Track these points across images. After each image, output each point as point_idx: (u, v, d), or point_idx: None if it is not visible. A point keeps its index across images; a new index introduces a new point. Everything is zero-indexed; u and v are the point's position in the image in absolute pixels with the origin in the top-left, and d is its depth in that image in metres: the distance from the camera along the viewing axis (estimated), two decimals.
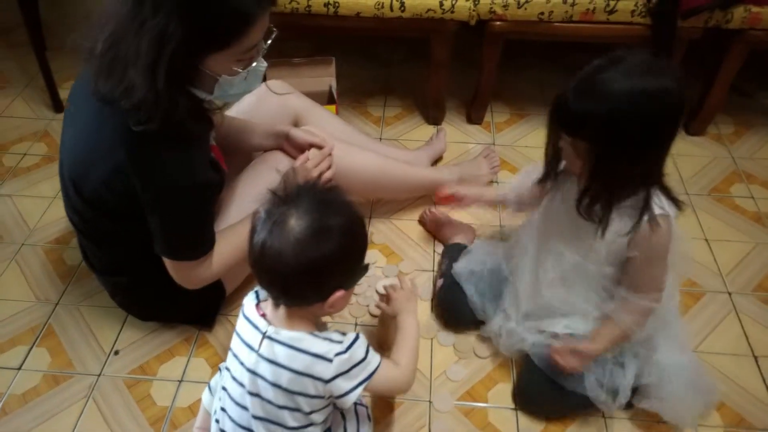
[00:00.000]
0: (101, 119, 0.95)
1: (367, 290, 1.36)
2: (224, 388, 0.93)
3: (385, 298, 1.11)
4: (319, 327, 0.90)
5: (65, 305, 1.34)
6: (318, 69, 1.77)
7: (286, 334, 0.84)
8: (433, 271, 1.41)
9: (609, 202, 0.93)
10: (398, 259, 1.44)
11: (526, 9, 1.52)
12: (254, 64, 0.98)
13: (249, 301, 0.92)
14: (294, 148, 1.28)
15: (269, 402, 0.86)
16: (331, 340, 0.85)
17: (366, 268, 0.88)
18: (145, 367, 1.23)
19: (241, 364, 0.88)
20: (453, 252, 1.33)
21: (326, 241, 0.79)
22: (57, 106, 1.87)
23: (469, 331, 1.27)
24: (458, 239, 1.39)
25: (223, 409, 0.93)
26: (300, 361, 0.83)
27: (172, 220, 1.01)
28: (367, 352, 0.88)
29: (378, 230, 1.50)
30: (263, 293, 0.91)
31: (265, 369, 0.85)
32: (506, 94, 1.92)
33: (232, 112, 1.40)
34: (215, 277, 1.11)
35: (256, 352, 0.86)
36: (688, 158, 1.71)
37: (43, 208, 1.57)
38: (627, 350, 1.09)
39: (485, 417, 1.14)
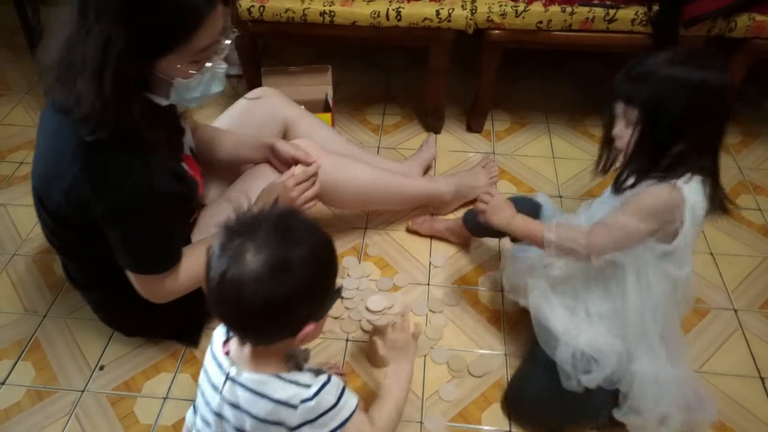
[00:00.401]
0: (60, 133, 0.94)
1: (359, 304, 1.32)
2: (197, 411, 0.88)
3: (379, 333, 1.04)
4: (290, 362, 0.83)
5: (53, 317, 1.32)
6: (314, 77, 1.75)
7: (248, 377, 0.77)
8: (428, 284, 1.37)
9: (647, 171, 0.95)
10: (393, 271, 1.41)
11: (524, 18, 1.49)
12: (209, 65, 0.94)
13: (218, 335, 0.85)
14: (279, 161, 1.25)
15: None
16: (298, 384, 0.77)
17: (338, 292, 0.80)
18: (130, 383, 1.20)
19: (207, 404, 0.82)
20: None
21: (287, 276, 0.70)
22: None
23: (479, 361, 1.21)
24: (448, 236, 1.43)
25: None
26: (262, 407, 0.76)
27: (129, 232, 0.98)
28: (339, 397, 0.79)
29: (373, 242, 1.47)
30: None
31: (228, 413, 0.79)
32: (507, 103, 1.89)
33: (220, 120, 1.38)
34: (184, 291, 1.07)
35: (220, 393, 0.79)
36: None
37: (34, 218, 1.53)
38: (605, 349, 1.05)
39: None
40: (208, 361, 0.84)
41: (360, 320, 1.29)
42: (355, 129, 1.82)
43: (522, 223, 1.07)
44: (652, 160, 0.94)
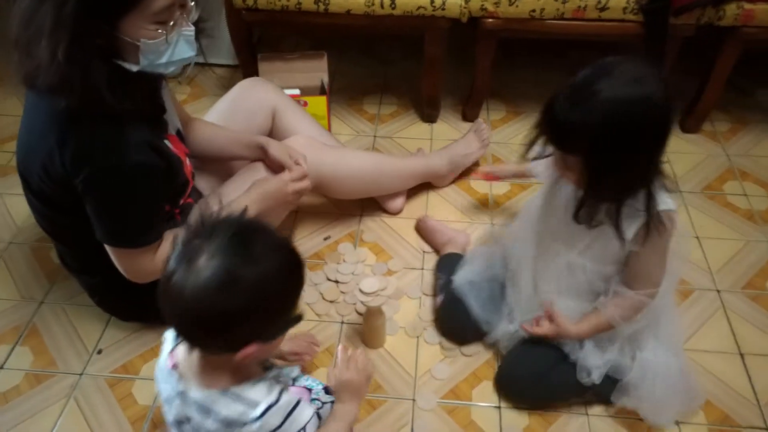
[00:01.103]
0: (37, 108, 0.95)
1: (354, 288, 1.35)
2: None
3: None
4: (247, 372, 0.77)
5: (50, 304, 1.33)
6: (310, 63, 1.75)
7: (197, 394, 0.74)
8: (423, 269, 1.40)
9: (616, 211, 0.91)
10: (387, 257, 1.43)
11: (517, 6, 1.51)
12: (173, 24, 0.92)
13: (167, 342, 0.82)
14: (272, 163, 1.27)
15: None
16: (247, 402, 0.74)
17: (296, 319, 0.75)
18: (128, 366, 1.22)
19: (167, 413, 0.81)
20: (448, 264, 1.30)
21: (232, 292, 0.66)
22: None
23: (474, 344, 1.24)
24: (451, 248, 1.37)
25: None
26: (211, 424, 0.74)
27: (105, 203, 0.98)
28: (285, 418, 0.75)
29: (368, 228, 1.50)
30: None
31: (186, 426, 0.78)
32: (502, 92, 1.90)
33: (213, 109, 1.39)
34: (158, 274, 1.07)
35: (175, 405, 0.78)
36: (682, 155, 1.69)
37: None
38: (614, 340, 1.08)
39: (468, 415, 1.13)
40: (159, 375, 0.82)
41: (355, 303, 1.32)
42: (351, 118, 1.83)
43: (586, 328, 1.05)
44: (614, 194, 0.90)
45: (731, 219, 1.51)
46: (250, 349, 0.71)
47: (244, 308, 0.67)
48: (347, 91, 1.92)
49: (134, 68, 0.94)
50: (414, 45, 1.79)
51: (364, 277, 1.37)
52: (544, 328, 1.06)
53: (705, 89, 1.65)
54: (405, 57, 2.08)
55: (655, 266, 0.98)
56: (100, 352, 1.24)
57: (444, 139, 1.74)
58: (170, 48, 0.95)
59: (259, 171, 1.27)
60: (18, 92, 1.93)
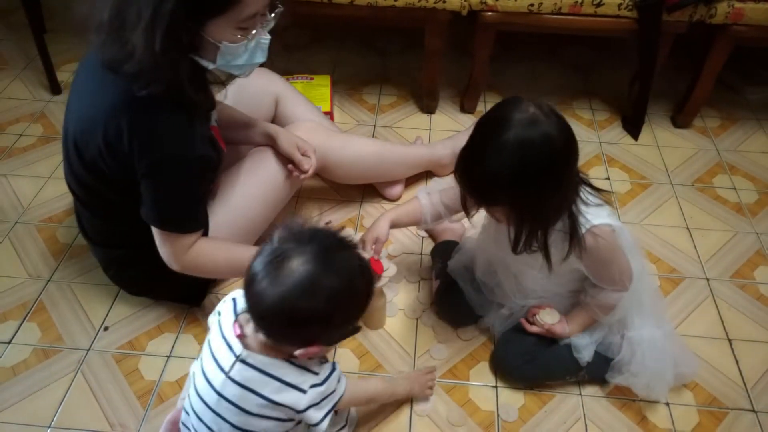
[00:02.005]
0: (106, 86, 0.98)
1: None
2: (190, 396, 0.91)
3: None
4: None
5: (56, 282, 1.36)
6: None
7: (261, 359, 0.82)
8: (421, 254, 1.44)
9: (544, 241, 0.95)
10: (388, 242, 1.46)
11: (516, 0, 1.55)
12: (254, 32, 0.98)
13: (227, 313, 0.88)
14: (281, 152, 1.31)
15: (232, 425, 0.85)
16: (308, 370, 0.84)
17: (355, 330, 0.85)
18: (134, 343, 1.25)
19: (208, 381, 0.85)
20: (443, 250, 1.34)
21: (313, 298, 0.75)
22: (54, 88, 1.89)
23: (470, 327, 1.28)
24: (447, 236, 1.41)
25: (189, 411, 0.93)
26: (272, 388, 0.82)
27: (164, 189, 1.03)
28: (338, 384, 0.89)
29: (368, 213, 1.53)
30: (242, 303, 0.84)
31: (232, 392, 0.83)
32: (500, 85, 1.95)
33: (218, 97, 1.42)
34: (189, 267, 1.10)
35: (226, 374, 0.83)
36: (673, 149, 1.74)
37: (37, 187, 1.59)
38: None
39: (466, 394, 1.17)
40: (214, 339, 0.87)
41: None
42: (352, 108, 1.87)
43: (576, 328, 1.13)
44: (541, 226, 0.94)
45: (720, 211, 1.56)
46: (312, 350, 0.80)
47: (320, 312, 0.76)
48: (348, 81, 1.96)
49: (210, 66, 1.00)
50: (414, 37, 1.83)
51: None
52: (536, 330, 1.12)
53: (696, 85, 1.70)
54: (405, 49, 2.12)
55: (614, 268, 1.02)
56: (106, 329, 1.27)
57: (442, 130, 1.78)
58: (247, 53, 1.00)
59: (269, 158, 1.30)
60: (22, 77, 1.96)
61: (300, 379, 0.83)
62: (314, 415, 0.85)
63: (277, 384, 0.82)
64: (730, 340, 1.27)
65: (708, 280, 1.39)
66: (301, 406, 0.83)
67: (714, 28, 1.57)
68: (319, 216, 1.52)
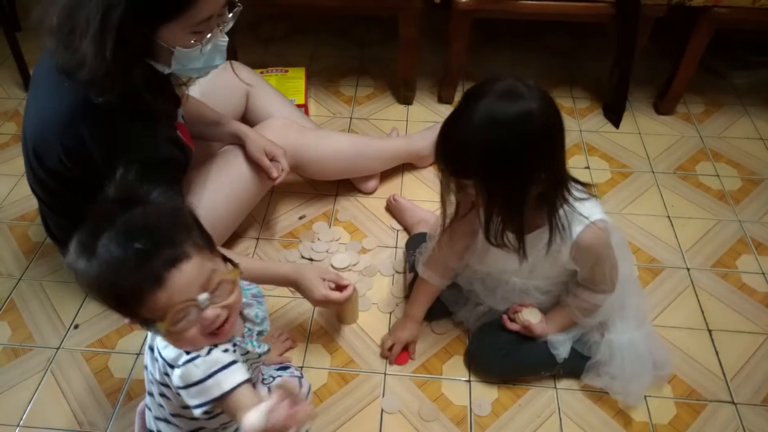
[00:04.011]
0: (62, 91, 0.96)
1: (328, 266, 1.36)
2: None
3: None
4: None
5: (28, 280, 1.35)
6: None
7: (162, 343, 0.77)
8: (396, 247, 1.42)
9: (518, 228, 0.92)
10: (362, 236, 1.45)
11: None
12: (210, 36, 0.96)
13: None
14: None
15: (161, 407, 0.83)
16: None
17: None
18: (104, 341, 1.24)
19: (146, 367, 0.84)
20: (417, 243, 1.31)
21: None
22: (27, 85, 1.85)
23: (443, 320, 1.26)
24: (421, 228, 1.38)
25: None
26: (160, 362, 0.77)
27: None
28: (210, 375, 0.71)
29: (343, 207, 1.51)
30: None
31: (148, 357, 0.82)
32: (479, 74, 1.91)
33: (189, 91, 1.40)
34: None
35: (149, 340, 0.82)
36: (655, 137, 1.71)
37: (10, 185, 1.57)
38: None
39: (439, 389, 1.16)
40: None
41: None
42: (328, 100, 1.84)
43: (554, 329, 1.10)
44: (514, 214, 0.90)
45: (702, 199, 1.54)
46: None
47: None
48: (324, 73, 1.93)
49: (166, 70, 0.98)
50: (391, 28, 1.80)
51: (336, 254, 1.38)
52: (516, 328, 1.11)
53: (678, 71, 1.67)
54: (382, 40, 2.09)
55: (604, 269, 1.00)
56: (77, 327, 1.26)
57: (420, 121, 1.75)
58: (203, 56, 0.97)
59: (237, 157, 1.28)
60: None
61: (173, 353, 0.73)
62: (187, 398, 0.73)
63: (161, 359, 0.76)
64: (710, 331, 1.25)
65: (689, 269, 1.37)
66: (175, 383, 0.73)
67: (695, 11, 1.53)
68: (294, 210, 1.51)
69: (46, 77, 1.01)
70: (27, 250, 1.41)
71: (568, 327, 1.11)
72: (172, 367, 0.74)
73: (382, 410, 1.12)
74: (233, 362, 0.74)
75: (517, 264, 0.99)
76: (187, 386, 0.72)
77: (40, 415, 1.12)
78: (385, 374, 1.18)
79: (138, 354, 1.21)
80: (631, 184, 1.58)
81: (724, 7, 1.50)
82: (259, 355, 0.83)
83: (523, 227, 0.92)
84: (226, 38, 0.99)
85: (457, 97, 1.82)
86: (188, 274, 0.66)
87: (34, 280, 1.35)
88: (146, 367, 0.84)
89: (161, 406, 0.83)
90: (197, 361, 0.72)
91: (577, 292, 1.06)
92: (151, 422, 0.89)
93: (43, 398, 1.14)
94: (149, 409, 0.89)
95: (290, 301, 1.30)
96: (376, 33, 2.12)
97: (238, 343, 0.79)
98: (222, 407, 0.73)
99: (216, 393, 0.71)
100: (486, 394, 1.15)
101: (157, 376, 0.79)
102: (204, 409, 0.72)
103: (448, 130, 0.87)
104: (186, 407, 0.76)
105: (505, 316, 1.12)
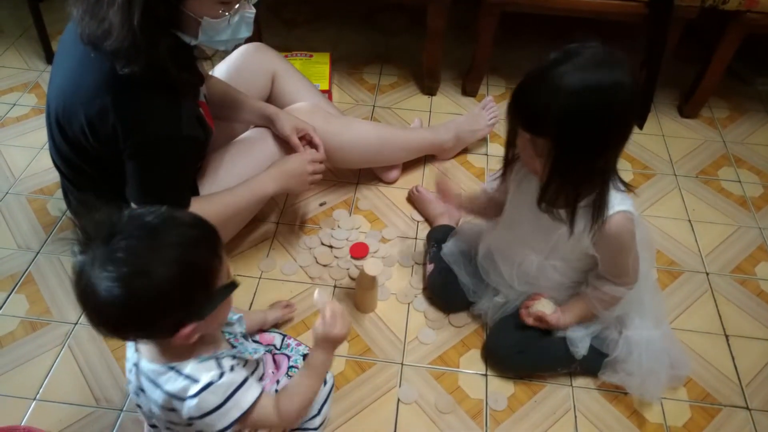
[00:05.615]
0: (88, 62, 0.95)
1: (348, 254, 1.36)
2: None
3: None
4: (199, 348, 0.76)
5: (46, 254, 1.34)
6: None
7: (147, 367, 0.75)
8: (416, 238, 1.41)
9: (574, 199, 0.91)
10: (382, 225, 1.44)
11: None
12: (237, 6, 0.96)
13: None
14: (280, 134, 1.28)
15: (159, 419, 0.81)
16: (190, 378, 0.73)
17: (226, 289, 0.72)
18: None
19: (129, 383, 0.82)
20: (439, 235, 1.32)
21: (129, 301, 0.64)
22: (49, 57, 1.86)
23: (462, 314, 1.26)
24: (444, 220, 1.38)
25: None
26: (159, 396, 0.75)
27: (149, 170, 1.01)
28: (228, 397, 0.73)
29: (364, 196, 1.51)
30: None
31: (141, 397, 0.80)
32: (504, 69, 1.90)
33: (215, 72, 1.38)
34: None
35: (132, 375, 0.79)
36: (678, 140, 1.70)
37: (29, 158, 1.56)
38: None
39: (456, 381, 1.16)
40: (126, 345, 0.82)
41: (348, 268, 1.34)
42: (351, 87, 1.83)
43: (570, 319, 1.09)
44: (574, 183, 0.89)
45: (724, 204, 1.53)
46: (187, 330, 0.69)
47: (150, 309, 0.66)
48: (348, 60, 1.92)
49: (192, 42, 0.97)
50: (416, 16, 1.78)
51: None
52: (531, 322, 1.10)
53: (705, 74, 1.65)
54: (406, 28, 2.07)
55: (625, 261, 1.00)
56: None
57: (443, 112, 1.74)
58: (230, 28, 0.97)
59: (267, 140, 1.27)
60: (17, 46, 1.93)
61: (178, 388, 0.73)
62: (203, 427, 0.75)
63: (160, 392, 0.74)
64: (727, 336, 1.25)
65: (708, 274, 1.37)
66: (183, 415, 0.74)
67: (726, 15, 1.52)
68: (314, 196, 1.50)
69: (71, 48, 1.00)
70: (46, 223, 1.41)
71: (585, 319, 1.11)
72: (182, 399, 0.73)
73: (399, 400, 1.12)
74: (246, 379, 0.76)
75: (541, 239, 1.00)
76: (204, 415, 0.73)
77: (57, 390, 1.12)
78: (402, 364, 1.18)
79: None
80: (653, 186, 1.57)
81: (757, 12, 1.48)
82: (257, 362, 0.86)
83: (579, 197, 0.91)
84: (253, 10, 0.99)
85: (482, 90, 1.83)
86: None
87: (53, 254, 1.34)
88: (140, 407, 0.82)
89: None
90: (211, 389, 0.73)
91: (598, 284, 1.05)
92: None
93: (60, 373, 1.14)
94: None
95: (309, 287, 1.30)
96: (401, 21, 2.10)
97: (237, 355, 0.80)
98: (243, 425, 0.75)
99: (236, 414, 0.74)
100: (502, 389, 1.15)
101: (159, 412, 0.77)
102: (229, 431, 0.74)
103: (531, 86, 0.85)
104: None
105: (522, 310, 1.12)
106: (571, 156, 0.86)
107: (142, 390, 0.78)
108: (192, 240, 0.69)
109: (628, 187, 0.96)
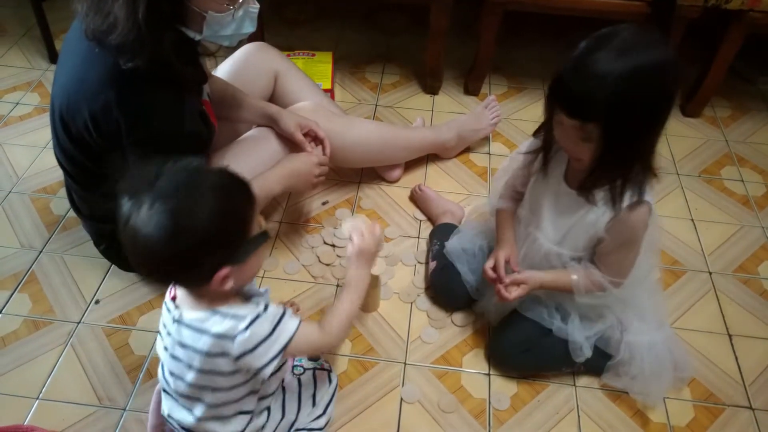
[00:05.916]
0: (92, 58, 0.95)
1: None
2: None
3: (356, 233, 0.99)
4: (232, 298, 0.81)
5: (49, 253, 1.35)
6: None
7: (189, 316, 0.79)
8: (419, 237, 1.41)
9: (623, 180, 0.90)
10: (384, 224, 1.44)
11: None
12: (242, 1, 0.96)
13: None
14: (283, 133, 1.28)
15: (189, 384, 0.82)
16: (235, 317, 0.78)
17: (260, 238, 0.78)
18: (125, 317, 1.24)
19: (165, 348, 0.84)
20: (442, 233, 1.32)
21: (177, 236, 0.69)
22: (52, 56, 1.86)
23: (464, 312, 1.26)
24: (447, 219, 1.38)
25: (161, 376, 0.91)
26: (205, 342, 0.78)
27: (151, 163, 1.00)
28: (275, 326, 0.79)
29: (366, 195, 1.51)
30: None
31: (180, 353, 0.81)
32: (506, 68, 1.90)
33: (218, 71, 1.38)
34: None
35: (171, 336, 0.82)
36: (681, 139, 1.70)
37: (32, 157, 1.56)
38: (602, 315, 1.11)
39: (458, 381, 1.16)
40: (163, 310, 0.85)
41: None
42: (353, 86, 1.83)
43: (549, 279, 1.07)
44: (621, 165, 0.89)
45: (727, 203, 1.53)
46: (223, 272, 0.74)
47: (194, 246, 0.71)
48: (350, 59, 1.92)
49: (197, 37, 0.97)
50: (418, 15, 1.78)
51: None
52: (514, 293, 1.05)
53: (707, 74, 1.65)
54: (408, 27, 2.07)
55: (623, 256, 1.00)
56: (97, 302, 1.26)
57: (445, 111, 1.74)
58: (234, 22, 0.97)
59: (270, 140, 1.27)
60: (20, 45, 1.93)
61: (227, 327, 0.77)
62: (253, 362, 0.78)
63: (207, 337, 0.77)
64: (730, 336, 1.25)
65: (710, 273, 1.37)
66: (234, 353, 0.78)
67: (729, 14, 1.51)
68: (317, 195, 1.50)
69: (76, 46, 1.00)
70: (49, 223, 1.41)
71: (560, 287, 1.06)
72: (232, 338, 0.77)
73: (402, 399, 1.12)
74: (286, 310, 0.82)
75: (557, 225, 1.00)
76: (255, 346, 0.78)
77: (60, 389, 1.12)
78: (405, 364, 1.18)
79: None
80: (655, 184, 1.56)
81: (760, 12, 1.48)
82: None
83: (626, 177, 0.91)
84: (257, 5, 1.00)
85: (484, 89, 1.82)
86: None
87: (55, 253, 1.35)
88: (178, 358, 0.82)
89: (216, 389, 0.83)
90: (260, 320, 0.78)
91: (589, 266, 1.04)
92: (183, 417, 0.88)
93: (63, 372, 1.14)
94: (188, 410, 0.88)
95: (312, 286, 1.30)
96: (402, 20, 2.10)
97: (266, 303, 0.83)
98: (288, 353, 0.81)
99: (284, 341, 0.80)
100: (505, 389, 1.15)
101: (202, 365, 0.79)
102: (275, 363, 0.79)
103: (575, 75, 0.83)
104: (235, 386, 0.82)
105: (498, 286, 1.06)
106: (622, 137, 0.85)
107: (184, 345, 0.80)
108: (229, 184, 0.76)
109: (654, 173, 0.94)
